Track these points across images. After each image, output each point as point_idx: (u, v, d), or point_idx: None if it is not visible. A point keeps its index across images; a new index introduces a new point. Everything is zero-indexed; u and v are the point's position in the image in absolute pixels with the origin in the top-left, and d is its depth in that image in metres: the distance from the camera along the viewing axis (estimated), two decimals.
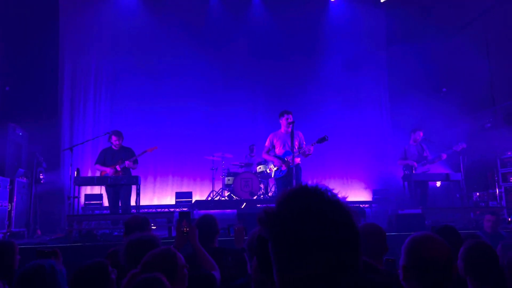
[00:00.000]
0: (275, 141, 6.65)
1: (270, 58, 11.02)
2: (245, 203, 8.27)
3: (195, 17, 10.87)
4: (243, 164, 9.85)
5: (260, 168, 9.12)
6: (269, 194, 9.45)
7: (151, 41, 10.54)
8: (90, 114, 10.19)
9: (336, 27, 11.45)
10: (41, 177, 7.94)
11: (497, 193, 8.46)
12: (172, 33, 10.65)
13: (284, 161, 6.44)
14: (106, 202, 8.02)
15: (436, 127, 9.03)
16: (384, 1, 11.30)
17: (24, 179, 7.66)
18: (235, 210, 6.91)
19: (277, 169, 6.56)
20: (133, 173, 7.30)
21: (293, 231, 0.87)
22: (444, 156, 7.66)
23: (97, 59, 10.37)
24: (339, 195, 0.92)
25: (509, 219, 4.50)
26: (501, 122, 8.77)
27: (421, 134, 7.96)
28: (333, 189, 0.93)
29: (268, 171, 6.89)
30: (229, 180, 9.33)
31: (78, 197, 7.01)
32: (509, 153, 8.34)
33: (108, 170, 7.04)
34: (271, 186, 9.72)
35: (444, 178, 7.71)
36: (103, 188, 7.71)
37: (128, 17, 10.49)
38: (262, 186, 9.33)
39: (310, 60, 11.14)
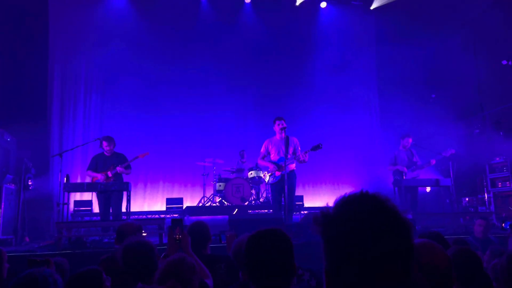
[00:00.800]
0: (270, 147, 6.69)
1: (261, 63, 11.06)
2: (236, 209, 8.25)
3: (185, 22, 10.87)
4: (234, 170, 9.83)
5: (251, 173, 9.11)
6: (261, 200, 9.44)
7: (141, 46, 10.50)
8: (80, 119, 10.11)
9: (326, 32, 11.53)
10: (29, 183, 7.83)
11: (486, 198, 8.55)
12: (163, 38, 10.63)
13: (279, 167, 6.45)
14: (96, 209, 7.94)
15: (426, 132, 9.11)
16: (374, 8, 11.43)
17: (12, 186, 7.55)
18: (226, 216, 6.88)
19: (271, 174, 6.58)
20: (124, 179, 7.25)
21: (348, 235, 0.88)
22: (433, 161, 7.73)
23: (87, 64, 10.30)
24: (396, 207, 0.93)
25: (503, 225, 4.54)
26: (489, 128, 8.89)
27: (410, 140, 8.03)
28: (391, 200, 0.94)
29: (262, 176, 6.90)
30: (220, 186, 9.31)
31: (68, 204, 6.93)
32: (497, 159, 8.44)
33: (100, 176, 6.98)
34: (262, 192, 9.72)
35: (434, 183, 7.77)
36: (94, 194, 7.64)
37: (118, 21, 10.44)
38: (253, 192, 9.32)
39: (300, 65, 11.19)
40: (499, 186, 8.34)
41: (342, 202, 0.94)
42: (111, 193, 6.90)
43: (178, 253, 2.33)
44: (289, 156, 6.38)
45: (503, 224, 4.62)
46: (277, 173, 6.48)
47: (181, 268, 2.21)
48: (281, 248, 1.78)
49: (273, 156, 6.63)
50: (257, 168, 9.08)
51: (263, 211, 8.70)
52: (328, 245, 0.92)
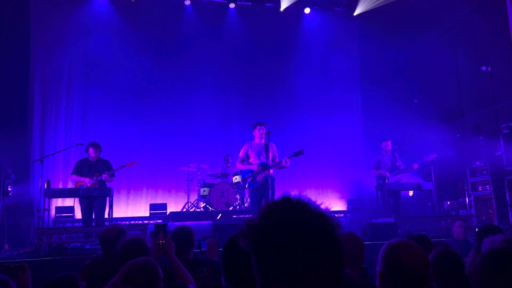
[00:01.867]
0: (249, 151, 6.70)
1: (245, 68, 11.08)
2: (220, 214, 8.22)
3: (169, 27, 10.84)
4: (219, 175, 9.80)
5: (236, 178, 9.10)
6: (245, 205, 9.43)
7: (124, 51, 10.41)
8: (62, 124, 9.96)
9: (310, 38, 11.63)
10: (9, 189, 7.68)
11: (467, 201, 8.70)
12: (146, 44, 10.57)
13: (263, 166, 6.46)
14: (78, 215, 7.82)
15: (408, 137, 9.24)
16: (357, 14, 11.57)
17: None
18: (210, 222, 6.86)
19: (252, 180, 6.57)
20: (107, 184, 7.16)
21: (276, 243, 0.86)
22: (416, 166, 7.84)
23: (69, 69, 10.17)
24: (322, 206, 0.92)
25: (476, 229, 4.63)
26: (469, 133, 9.06)
27: (389, 143, 8.13)
28: (315, 201, 0.92)
29: (241, 182, 6.91)
30: (204, 191, 9.27)
31: (49, 210, 6.81)
32: (477, 163, 8.60)
33: (86, 181, 6.88)
34: (247, 197, 9.70)
35: (416, 187, 7.88)
36: (76, 200, 7.52)
37: (101, 26, 10.35)
38: (238, 197, 9.30)
39: (284, 70, 11.24)
40: (479, 189, 8.49)
41: (265, 211, 0.92)
42: (94, 199, 6.81)
43: (142, 257, 2.29)
44: (270, 162, 6.43)
45: (477, 229, 4.71)
46: (259, 178, 6.49)
47: (144, 272, 2.16)
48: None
49: (253, 160, 6.64)
50: (241, 173, 9.07)
51: (247, 216, 8.68)
52: (258, 258, 0.89)
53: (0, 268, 2.61)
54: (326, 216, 0.90)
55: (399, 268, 1.74)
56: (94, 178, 6.90)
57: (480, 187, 8.49)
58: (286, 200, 0.92)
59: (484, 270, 1.63)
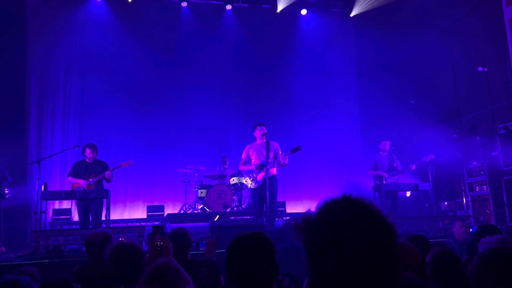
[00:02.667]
0: (250, 153, 6.72)
1: (242, 70, 11.08)
2: (218, 216, 8.21)
3: (166, 28, 10.84)
4: (216, 176, 9.79)
5: (233, 180, 9.09)
6: (243, 206, 9.42)
7: (121, 53, 10.40)
8: (59, 126, 9.94)
9: (307, 39, 11.65)
10: (6, 191, 7.64)
11: (464, 202, 8.71)
12: (143, 45, 10.56)
13: (261, 166, 6.46)
14: (75, 217, 7.80)
15: (406, 138, 9.25)
16: (353, 15, 11.59)
17: None
18: (208, 223, 6.84)
19: (253, 179, 6.58)
20: (105, 186, 7.15)
21: (332, 241, 0.85)
22: (413, 167, 7.85)
23: (66, 70, 10.17)
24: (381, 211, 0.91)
25: (470, 230, 4.64)
26: (466, 133, 9.07)
27: (388, 143, 8.14)
28: (375, 203, 0.91)
29: (245, 182, 6.90)
30: (202, 192, 9.26)
31: (46, 212, 6.78)
32: (474, 163, 8.61)
33: (82, 183, 6.85)
34: (244, 198, 9.69)
35: (414, 188, 7.89)
36: (73, 202, 7.50)
37: (98, 28, 10.35)
38: (235, 198, 9.29)
39: (281, 71, 11.24)
40: (477, 190, 8.50)
41: (325, 208, 0.90)
42: (91, 201, 6.79)
43: (162, 258, 2.32)
44: (270, 161, 6.41)
45: (471, 230, 4.72)
46: (259, 177, 6.49)
47: (165, 273, 2.20)
48: (262, 251, 1.78)
49: (254, 161, 6.66)
50: (239, 174, 9.06)
51: (245, 217, 8.67)
52: (311, 254, 0.88)
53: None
54: (386, 220, 0.89)
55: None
56: (90, 179, 6.88)
57: (477, 187, 8.51)
58: (347, 199, 0.91)
59: (480, 271, 1.64)
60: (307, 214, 0.92)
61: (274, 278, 1.78)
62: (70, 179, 7.00)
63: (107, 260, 2.59)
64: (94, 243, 3.28)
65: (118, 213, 9.63)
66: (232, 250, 1.82)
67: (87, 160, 7.03)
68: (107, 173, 6.89)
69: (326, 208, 0.90)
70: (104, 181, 7.11)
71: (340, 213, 0.88)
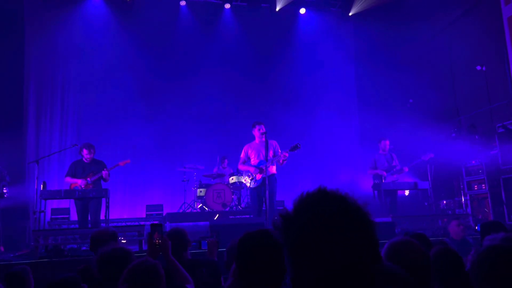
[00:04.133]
0: (249, 152, 6.71)
1: (240, 69, 11.06)
2: (218, 215, 8.21)
3: (164, 28, 10.82)
4: (215, 176, 9.78)
5: (232, 179, 9.09)
6: (242, 205, 9.41)
7: (119, 52, 10.39)
8: (57, 125, 9.92)
9: (305, 38, 11.65)
10: (4, 191, 7.62)
11: (463, 200, 8.72)
12: (141, 44, 10.56)
13: (260, 170, 6.46)
14: (74, 216, 7.78)
15: (404, 137, 9.25)
16: (352, 14, 11.60)
17: None
18: (207, 222, 6.84)
19: (252, 178, 6.57)
20: (103, 186, 7.13)
21: (312, 236, 0.83)
22: (406, 169, 7.90)
23: (64, 69, 10.15)
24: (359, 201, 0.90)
25: (476, 228, 4.63)
26: (465, 132, 9.08)
27: (388, 142, 8.15)
28: (350, 194, 0.90)
29: (244, 181, 6.90)
30: (201, 191, 9.25)
31: (45, 212, 6.77)
32: (473, 162, 8.62)
33: (79, 182, 6.84)
34: (243, 197, 9.69)
35: (412, 186, 7.90)
36: (72, 201, 7.49)
37: (96, 27, 10.34)
38: (234, 197, 9.29)
39: (279, 70, 11.25)
40: (475, 188, 8.51)
41: (300, 202, 0.89)
42: (90, 200, 6.78)
43: (142, 258, 2.27)
44: (269, 159, 6.40)
45: (476, 227, 4.71)
46: (258, 177, 6.49)
47: (147, 274, 2.14)
48: (274, 247, 1.77)
49: (253, 160, 6.64)
50: (238, 173, 9.05)
51: (244, 216, 8.67)
52: (290, 250, 0.86)
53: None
54: (363, 211, 0.88)
55: (401, 266, 1.74)
56: (88, 179, 6.86)
57: (476, 186, 8.52)
58: (323, 192, 0.89)
59: (481, 268, 1.63)
60: (284, 210, 0.91)
61: (283, 277, 1.77)
62: (68, 179, 6.98)
63: (95, 270, 2.50)
64: (100, 240, 3.26)
65: (117, 212, 9.61)
66: (243, 246, 1.81)
67: (84, 159, 7.02)
68: (104, 172, 6.88)
69: (302, 203, 0.89)
70: (102, 180, 7.10)
71: (315, 207, 0.87)
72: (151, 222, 4.10)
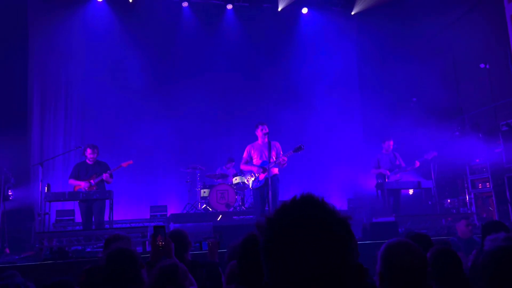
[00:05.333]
0: (252, 152, 6.72)
1: (243, 69, 11.07)
2: (221, 216, 8.22)
3: (167, 29, 10.84)
4: (218, 176, 9.79)
5: (236, 179, 9.10)
6: (246, 206, 9.42)
7: (122, 52, 10.41)
8: (61, 128, 9.96)
9: (308, 37, 11.63)
10: (9, 193, 7.67)
11: (467, 199, 8.69)
12: (144, 45, 10.58)
13: (263, 169, 6.47)
14: (78, 218, 7.82)
15: (407, 136, 9.23)
16: (354, 13, 11.57)
17: None
18: (211, 223, 6.86)
19: (254, 179, 6.58)
20: (107, 187, 7.16)
21: (285, 239, 0.86)
22: (418, 163, 7.84)
23: (68, 71, 10.18)
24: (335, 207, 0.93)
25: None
26: (468, 131, 9.05)
27: (391, 143, 8.14)
28: (329, 203, 0.93)
29: (246, 182, 6.91)
30: (204, 192, 9.27)
31: (49, 214, 6.81)
32: (477, 160, 8.59)
33: (83, 184, 6.87)
34: (247, 198, 9.69)
35: (416, 185, 7.89)
36: (76, 203, 7.52)
37: (99, 29, 10.36)
38: (238, 198, 9.29)
39: (282, 70, 11.22)
40: (479, 187, 8.48)
41: (282, 207, 0.93)
42: (94, 202, 6.81)
43: (169, 259, 2.32)
44: (272, 160, 6.41)
45: (468, 221, 4.70)
46: (261, 177, 6.50)
47: (175, 274, 2.20)
48: None
49: (256, 161, 6.66)
50: (241, 173, 9.06)
51: (248, 216, 8.68)
52: (265, 253, 0.90)
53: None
54: (338, 213, 0.91)
55: (398, 268, 1.74)
56: (91, 181, 6.89)
57: (480, 184, 8.49)
58: (304, 197, 0.93)
59: (486, 269, 1.63)
60: (270, 213, 0.94)
61: None
62: (72, 181, 7.02)
63: (103, 269, 2.54)
64: (112, 244, 3.29)
65: (121, 214, 9.63)
66: (247, 247, 1.82)
67: (87, 161, 7.05)
68: (104, 175, 6.91)
69: (283, 207, 0.92)
70: (105, 182, 7.12)
71: (293, 211, 0.90)
72: (154, 224, 4.12)
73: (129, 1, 10.48)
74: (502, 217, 7.85)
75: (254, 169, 6.60)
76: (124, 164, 7.19)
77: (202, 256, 4.23)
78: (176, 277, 2.21)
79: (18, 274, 3.11)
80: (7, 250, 7.25)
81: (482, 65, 8.82)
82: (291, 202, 0.92)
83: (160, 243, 2.81)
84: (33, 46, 9.65)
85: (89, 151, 7.00)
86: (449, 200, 9.09)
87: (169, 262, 2.31)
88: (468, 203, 8.66)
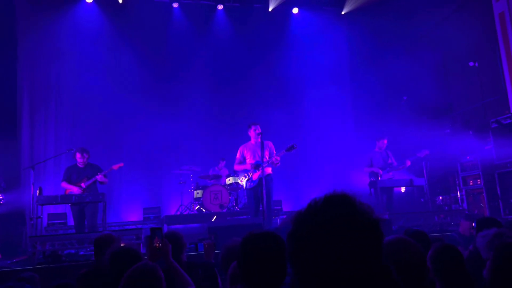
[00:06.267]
0: (245, 152, 6.71)
1: (234, 70, 11.06)
2: (215, 216, 8.20)
3: (157, 30, 10.78)
4: (211, 177, 9.77)
5: (229, 180, 9.08)
6: (239, 206, 9.41)
7: (112, 54, 10.35)
8: (52, 130, 9.86)
9: (299, 38, 11.66)
10: (0, 197, 7.59)
11: (459, 196, 8.77)
12: (135, 47, 10.53)
13: (256, 166, 6.46)
14: (71, 221, 7.75)
15: (399, 134, 9.30)
16: (345, 13, 11.63)
17: None
18: (205, 224, 6.84)
19: (248, 179, 6.58)
20: (100, 189, 7.11)
21: (314, 240, 0.86)
22: (409, 162, 7.90)
23: (58, 74, 10.08)
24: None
25: (473, 225, 4.66)
26: (459, 128, 9.14)
27: (385, 141, 8.19)
28: (364, 203, 0.92)
29: (240, 182, 6.91)
30: (198, 193, 9.24)
31: (41, 217, 6.74)
32: (467, 157, 8.68)
33: (75, 189, 6.80)
34: (241, 198, 9.68)
35: (408, 183, 7.94)
36: (68, 206, 7.45)
37: (89, 30, 10.28)
38: (231, 198, 9.28)
39: (274, 70, 11.22)
40: (471, 184, 8.56)
41: (313, 203, 0.92)
42: (86, 205, 6.75)
43: (141, 262, 2.29)
44: (265, 160, 6.41)
45: (473, 224, 4.73)
46: (255, 177, 6.50)
47: (147, 277, 2.16)
48: (277, 249, 1.79)
49: (249, 161, 6.66)
50: (235, 174, 9.05)
51: (242, 217, 8.68)
52: (292, 253, 0.89)
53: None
54: (370, 212, 0.90)
55: (396, 265, 1.75)
56: (82, 184, 6.83)
57: (471, 181, 8.57)
58: (332, 196, 0.92)
59: (498, 264, 1.63)
60: (297, 212, 0.93)
61: (284, 278, 1.79)
62: (64, 184, 6.95)
63: (107, 264, 2.56)
64: (102, 245, 3.28)
65: (114, 216, 9.58)
66: (247, 247, 1.82)
67: (78, 164, 6.99)
68: (98, 176, 6.86)
69: (310, 206, 0.92)
70: (98, 184, 7.07)
71: (323, 211, 0.89)
72: (151, 226, 4.10)
73: (119, 2, 10.41)
74: (493, 213, 7.93)
75: (248, 167, 6.59)
76: (115, 167, 7.15)
77: (197, 257, 4.22)
78: (148, 280, 2.15)
79: (37, 277, 3.09)
80: (0, 255, 7.18)
81: (471, 63, 8.92)
82: (325, 200, 0.91)
83: (158, 245, 2.81)
84: (22, 48, 9.55)
85: (78, 155, 6.93)
86: (441, 197, 9.17)
87: (140, 264, 2.25)
88: (459, 200, 8.75)
